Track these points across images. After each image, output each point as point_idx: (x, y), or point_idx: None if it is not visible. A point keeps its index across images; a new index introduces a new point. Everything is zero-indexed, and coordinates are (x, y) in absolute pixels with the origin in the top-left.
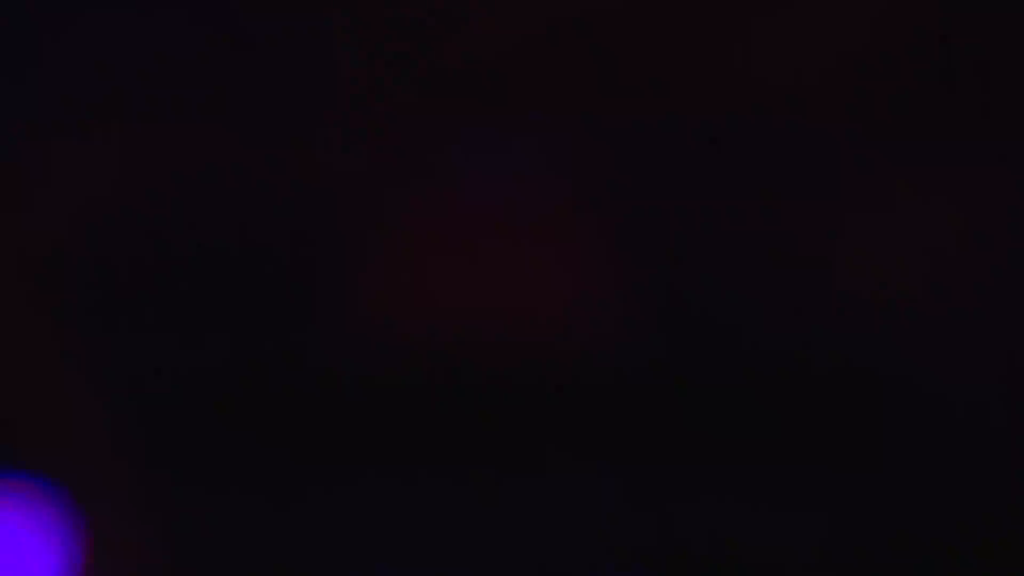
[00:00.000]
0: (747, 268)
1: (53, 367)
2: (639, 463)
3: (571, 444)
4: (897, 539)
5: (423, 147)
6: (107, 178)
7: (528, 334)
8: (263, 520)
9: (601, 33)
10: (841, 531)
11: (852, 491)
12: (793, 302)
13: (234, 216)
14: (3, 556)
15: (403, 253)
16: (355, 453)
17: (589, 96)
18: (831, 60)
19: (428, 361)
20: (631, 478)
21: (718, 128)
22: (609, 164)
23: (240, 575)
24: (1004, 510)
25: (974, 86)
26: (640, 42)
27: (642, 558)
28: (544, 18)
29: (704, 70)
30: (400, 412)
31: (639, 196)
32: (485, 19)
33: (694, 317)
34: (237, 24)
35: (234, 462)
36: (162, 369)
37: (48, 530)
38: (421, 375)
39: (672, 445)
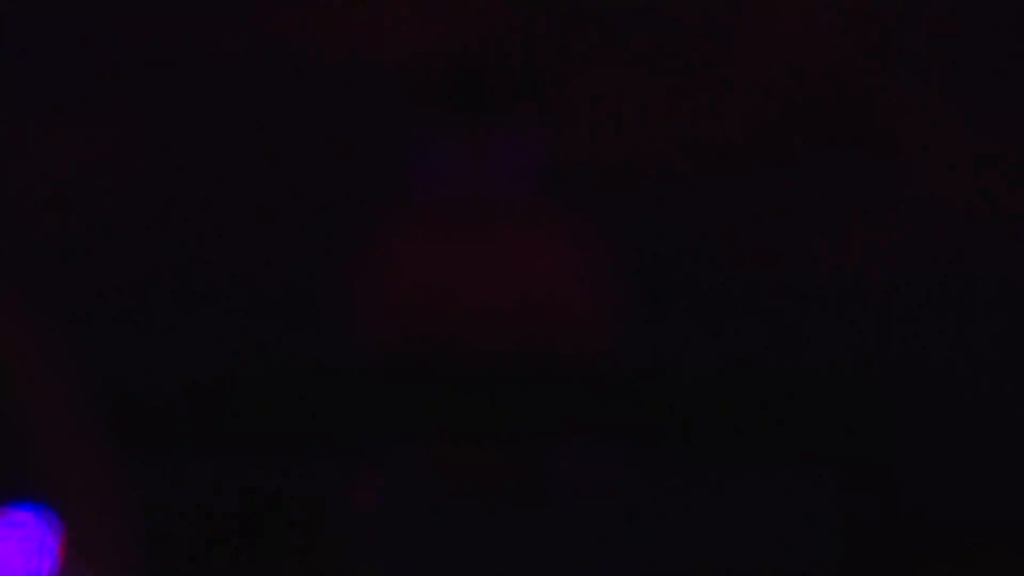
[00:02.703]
0: (747, 265)
1: (46, 369)
2: (637, 461)
3: (568, 442)
4: (901, 537)
5: (419, 149)
6: (104, 179)
7: (523, 330)
8: (260, 519)
9: (592, 27)
10: (843, 530)
11: (852, 490)
12: (791, 299)
13: (228, 215)
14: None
15: (398, 252)
16: (350, 450)
17: (586, 93)
18: (823, 61)
19: (426, 356)
20: (629, 476)
21: (716, 124)
22: (605, 163)
23: (235, 572)
24: (1006, 508)
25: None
26: (629, 36)
27: (641, 556)
28: (541, 15)
29: (699, 67)
30: (396, 408)
31: (636, 193)
32: (483, 18)
33: (691, 315)
34: (227, 27)
35: (229, 460)
36: (153, 369)
37: (34, 533)
38: (416, 371)
39: (669, 444)
